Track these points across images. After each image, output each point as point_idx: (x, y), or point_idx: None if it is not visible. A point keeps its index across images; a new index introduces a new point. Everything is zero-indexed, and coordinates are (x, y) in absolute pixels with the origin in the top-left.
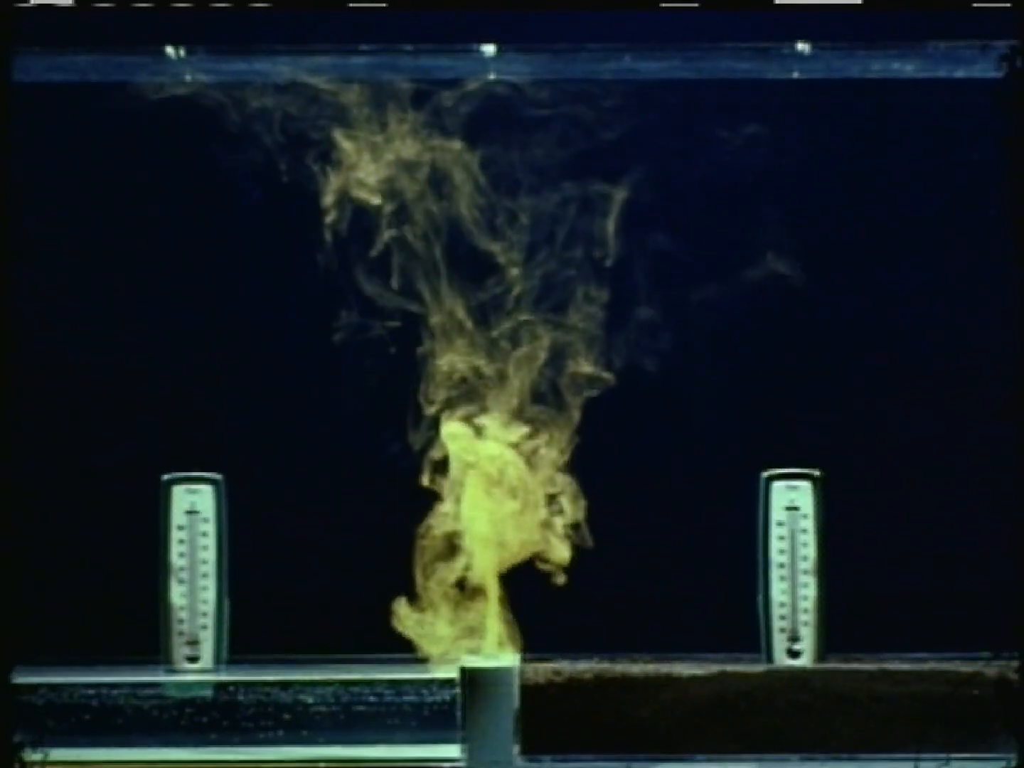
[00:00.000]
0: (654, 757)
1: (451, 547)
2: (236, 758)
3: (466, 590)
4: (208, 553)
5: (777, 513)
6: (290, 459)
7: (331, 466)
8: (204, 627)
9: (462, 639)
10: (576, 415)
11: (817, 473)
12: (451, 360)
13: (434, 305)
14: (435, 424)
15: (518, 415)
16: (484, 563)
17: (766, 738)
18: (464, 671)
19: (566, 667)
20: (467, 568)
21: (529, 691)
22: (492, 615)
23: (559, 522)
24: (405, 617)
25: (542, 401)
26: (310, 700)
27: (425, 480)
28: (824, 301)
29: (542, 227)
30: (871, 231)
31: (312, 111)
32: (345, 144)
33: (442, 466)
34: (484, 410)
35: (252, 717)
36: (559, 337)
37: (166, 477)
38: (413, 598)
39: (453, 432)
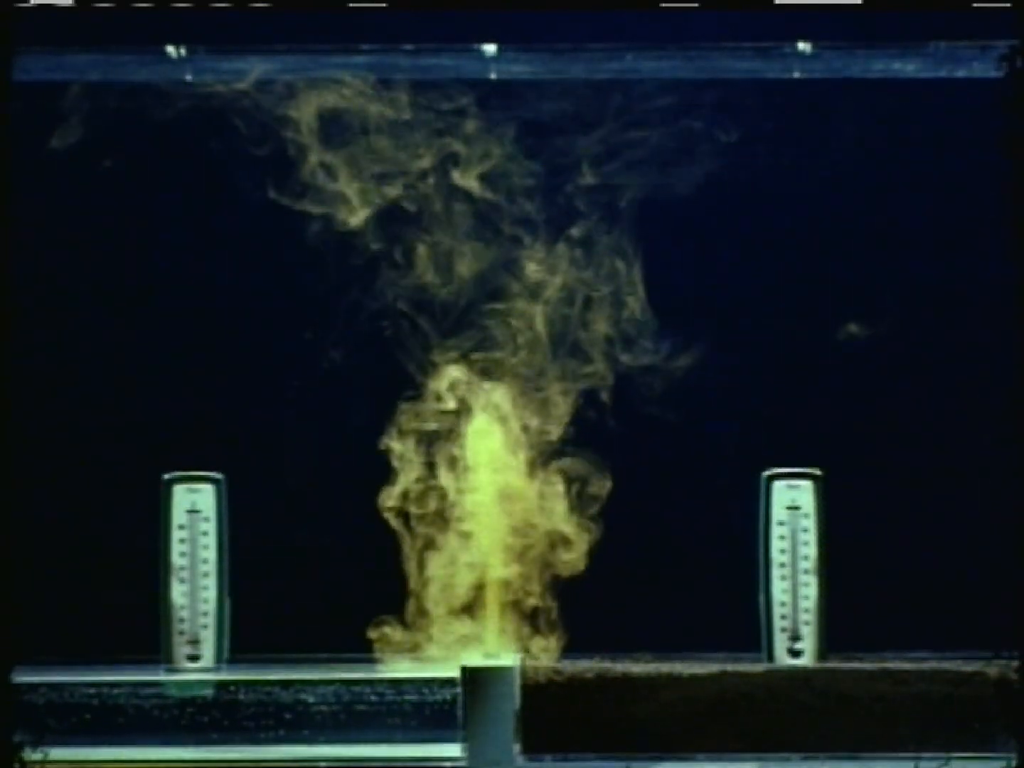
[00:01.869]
0: (654, 757)
1: (451, 546)
2: (237, 757)
3: (467, 590)
4: (209, 552)
5: (778, 512)
6: (290, 459)
7: (331, 466)
8: (205, 626)
9: (463, 640)
10: (575, 412)
11: (818, 473)
12: (452, 357)
13: (434, 301)
14: (436, 422)
15: (518, 413)
16: (486, 561)
17: (767, 738)
18: (465, 670)
19: (567, 666)
20: (469, 568)
21: (530, 690)
22: (492, 615)
23: (560, 522)
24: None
25: (541, 398)
26: (311, 699)
27: (424, 479)
28: (824, 300)
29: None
30: (871, 230)
31: (311, 109)
32: (345, 141)
33: (443, 464)
34: (484, 407)
35: (253, 716)
36: (560, 336)
37: (167, 476)
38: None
39: (455, 430)
